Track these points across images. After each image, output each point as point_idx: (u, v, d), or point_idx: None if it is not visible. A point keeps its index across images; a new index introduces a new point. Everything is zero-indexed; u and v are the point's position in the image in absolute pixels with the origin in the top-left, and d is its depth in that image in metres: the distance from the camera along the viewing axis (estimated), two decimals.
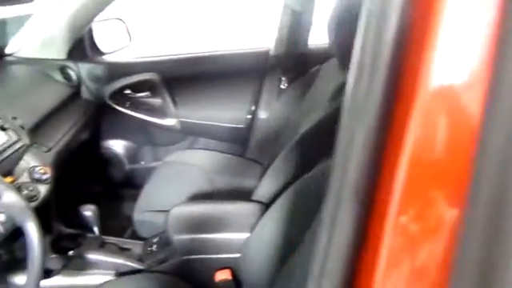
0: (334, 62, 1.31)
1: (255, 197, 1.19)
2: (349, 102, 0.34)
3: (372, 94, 0.31)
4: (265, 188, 1.20)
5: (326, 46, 1.54)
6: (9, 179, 0.97)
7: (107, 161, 1.86)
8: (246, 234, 1.01)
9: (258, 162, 1.61)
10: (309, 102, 1.36)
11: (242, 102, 1.71)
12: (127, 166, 1.89)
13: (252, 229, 1.01)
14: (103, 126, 1.79)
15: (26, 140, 1.10)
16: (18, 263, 1.05)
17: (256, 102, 1.68)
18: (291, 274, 0.79)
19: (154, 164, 1.86)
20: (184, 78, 1.70)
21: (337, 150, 0.35)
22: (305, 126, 1.24)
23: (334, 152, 0.35)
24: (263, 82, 1.65)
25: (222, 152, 1.68)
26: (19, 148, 1.07)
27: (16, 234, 0.92)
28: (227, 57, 1.71)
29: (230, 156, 1.65)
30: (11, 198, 0.78)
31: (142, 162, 1.92)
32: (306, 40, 1.56)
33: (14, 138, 1.06)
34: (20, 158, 1.09)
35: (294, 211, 0.86)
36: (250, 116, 1.71)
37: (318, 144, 1.13)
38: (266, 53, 1.62)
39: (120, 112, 1.71)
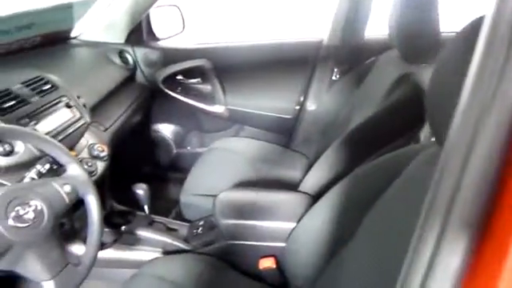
0: (392, 54, 1.25)
1: (302, 188, 1.17)
2: (466, 104, 0.28)
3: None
4: (312, 180, 1.18)
5: (383, 37, 1.49)
6: (72, 154, 1.03)
7: (156, 144, 1.92)
8: (292, 224, 1.00)
9: (303, 154, 1.59)
10: (362, 94, 1.32)
11: (290, 93, 1.69)
12: (174, 150, 1.94)
13: (299, 219, 1.00)
14: (154, 110, 1.85)
15: (87, 118, 1.15)
16: (76, 234, 1.12)
17: (305, 93, 1.66)
18: (341, 267, 0.77)
19: (200, 150, 1.90)
20: (234, 66, 1.70)
21: (444, 164, 0.30)
22: (358, 118, 1.20)
23: (438, 166, 0.30)
24: (314, 73, 1.62)
25: (267, 142, 1.68)
26: (81, 125, 1.13)
27: (76, 205, 0.98)
28: (278, 46, 1.69)
29: (275, 146, 1.64)
30: (76, 170, 0.83)
31: (189, 147, 1.97)
32: (363, 30, 1.50)
33: (78, 115, 1.11)
34: (81, 135, 1.15)
35: (346, 205, 0.84)
36: (298, 107, 1.69)
37: (372, 138, 1.10)
38: (319, 43, 1.58)
39: (171, 97, 1.75)
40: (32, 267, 0.70)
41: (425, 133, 1.05)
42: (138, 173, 1.82)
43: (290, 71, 1.68)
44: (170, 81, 1.72)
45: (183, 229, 1.25)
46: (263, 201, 1.10)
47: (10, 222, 0.67)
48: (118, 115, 1.43)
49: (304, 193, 1.13)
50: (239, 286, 1.00)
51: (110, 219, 1.25)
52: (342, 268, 0.77)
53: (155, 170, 1.92)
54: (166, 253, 1.16)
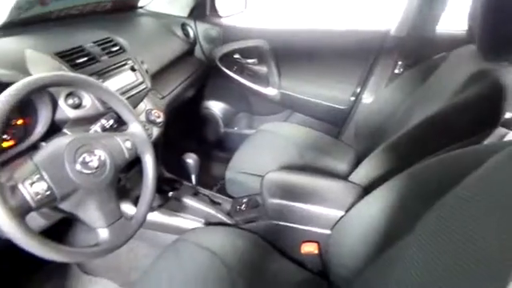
0: (465, 51, 1.17)
1: (352, 179, 1.14)
2: None
3: None
4: (364, 172, 1.14)
5: (457, 32, 1.40)
6: None
7: (205, 121, 1.95)
8: (339, 212, 0.98)
9: (351, 147, 1.54)
10: (428, 90, 1.24)
11: (347, 83, 1.64)
12: (222, 129, 1.96)
13: (348, 209, 0.97)
14: (207, 87, 1.87)
15: (148, 84, 1.18)
16: (128, 194, 1.16)
17: (362, 85, 1.60)
18: (392, 262, 0.74)
19: (247, 131, 1.90)
20: (293, 50, 1.67)
21: None
22: (420, 115, 1.13)
23: None
24: (375, 65, 1.55)
25: (316, 130, 1.64)
26: (142, 90, 1.16)
27: (130, 166, 1.01)
28: (340, 33, 1.63)
29: (324, 135, 1.60)
30: (137, 128, 0.86)
31: (236, 128, 1.98)
32: (435, 24, 1.41)
33: (140, 79, 1.15)
34: (141, 100, 1.18)
35: (403, 199, 0.80)
36: (353, 98, 1.63)
37: (439, 134, 1.03)
38: (385, 33, 1.51)
39: (225, 75, 1.76)
40: (91, 213, 0.73)
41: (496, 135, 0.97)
42: (185, 146, 1.86)
43: (349, 61, 1.62)
44: (227, 59, 1.73)
45: (226, 204, 1.26)
46: (312, 185, 1.07)
47: (78, 166, 0.70)
48: (174, 86, 1.46)
49: (354, 183, 1.09)
50: (278, 265, 0.99)
51: (157, 185, 1.29)
52: (394, 263, 0.73)
53: (201, 146, 1.95)
54: (208, 224, 1.17)
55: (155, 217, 1.18)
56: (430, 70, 1.29)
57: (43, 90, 0.71)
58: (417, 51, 1.44)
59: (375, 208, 0.85)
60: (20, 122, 0.88)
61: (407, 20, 1.42)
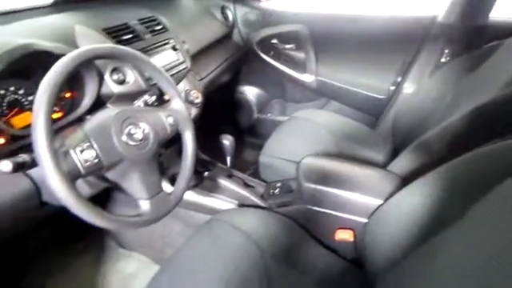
0: None
1: (390, 169, 1.11)
2: None
3: None
4: (403, 163, 1.10)
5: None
6: None
7: (239, 106, 1.95)
8: (377, 201, 0.95)
9: (388, 138, 1.49)
10: (477, 80, 1.18)
11: (387, 72, 1.58)
12: (255, 115, 1.96)
13: (386, 198, 0.94)
14: (243, 72, 1.87)
15: (188, 64, 1.19)
16: (164, 171, 1.19)
17: (404, 74, 1.54)
18: (435, 252, 0.71)
19: (280, 118, 1.88)
20: (332, 35, 1.63)
21: None
22: (466, 106, 1.08)
23: None
24: (419, 53, 1.48)
25: (353, 119, 1.60)
26: (183, 69, 1.17)
27: (168, 144, 1.03)
28: (384, 20, 1.57)
29: (360, 125, 1.56)
30: (179, 105, 0.87)
31: (269, 114, 1.96)
32: (489, 10, 1.33)
33: (181, 59, 1.16)
34: (181, 79, 1.19)
35: (449, 189, 0.76)
36: (393, 87, 1.57)
37: (483, 126, 0.98)
38: (432, 20, 1.43)
39: (262, 61, 1.74)
40: (134, 184, 0.74)
41: None
42: (219, 130, 1.87)
43: (391, 48, 1.56)
44: (265, 43, 1.71)
45: (260, 187, 1.25)
46: (350, 172, 1.05)
47: (124, 137, 0.71)
48: (212, 68, 1.46)
49: (394, 172, 1.06)
50: (311, 250, 0.98)
51: None
52: (436, 253, 0.70)
53: (234, 130, 1.96)
54: (242, 206, 1.18)
55: (190, 196, 1.20)
56: (480, 59, 1.22)
57: (95, 60, 0.73)
58: (466, 39, 1.36)
59: (418, 198, 0.82)
60: (68, 95, 0.91)
61: (457, 6, 1.34)
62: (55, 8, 1.10)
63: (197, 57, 1.33)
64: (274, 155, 1.35)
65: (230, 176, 1.26)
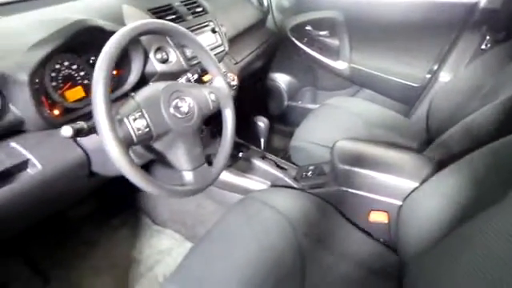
0: None
1: (427, 154, 1.10)
2: None
3: None
4: (440, 148, 1.09)
5: None
6: (208, 77, 1.11)
7: (270, 92, 1.97)
8: (413, 184, 0.95)
9: (423, 127, 1.47)
10: None
11: (423, 59, 1.56)
12: (286, 102, 1.97)
13: (422, 181, 0.94)
14: (276, 58, 1.88)
15: (226, 47, 1.22)
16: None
17: (441, 62, 1.51)
18: (472, 235, 0.71)
19: (311, 106, 1.89)
20: (367, 22, 1.61)
21: None
22: (506, 93, 1.05)
23: None
24: (458, 40, 1.45)
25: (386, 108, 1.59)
26: (220, 52, 1.20)
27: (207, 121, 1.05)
28: (422, 5, 1.54)
29: (393, 113, 1.54)
30: (221, 83, 0.89)
31: (300, 102, 1.97)
32: None
33: (220, 41, 1.18)
34: (219, 61, 1.22)
35: (487, 172, 0.75)
36: (428, 76, 1.55)
37: None
38: (473, 5, 1.40)
39: (294, 48, 1.75)
40: (179, 155, 0.78)
41: None
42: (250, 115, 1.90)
43: (428, 35, 1.53)
44: (298, 30, 1.71)
45: (292, 170, 1.27)
46: (385, 155, 1.05)
47: (171, 110, 0.75)
48: (247, 53, 1.49)
49: (429, 156, 1.05)
50: (344, 231, 0.99)
51: None
52: (473, 236, 0.70)
53: (265, 117, 1.98)
54: (275, 186, 1.20)
55: (224, 176, 1.23)
56: None
57: (147, 34, 0.76)
58: (509, 25, 1.32)
59: (454, 181, 0.82)
60: (115, 72, 0.96)
61: None
62: None
63: (233, 41, 1.35)
64: (305, 140, 1.36)
65: (263, 158, 1.28)
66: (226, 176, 1.23)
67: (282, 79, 1.94)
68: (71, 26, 0.78)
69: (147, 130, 0.70)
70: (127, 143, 0.67)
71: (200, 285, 0.80)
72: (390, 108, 1.59)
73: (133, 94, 0.75)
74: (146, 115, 0.70)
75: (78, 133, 0.67)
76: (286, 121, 1.98)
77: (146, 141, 0.72)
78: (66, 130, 0.65)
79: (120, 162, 0.63)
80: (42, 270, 1.18)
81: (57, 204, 1.05)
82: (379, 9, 1.61)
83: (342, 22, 1.63)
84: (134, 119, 0.68)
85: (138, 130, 0.69)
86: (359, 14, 1.62)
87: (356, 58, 1.67)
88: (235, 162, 1.25)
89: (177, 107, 0.76)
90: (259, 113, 1.97)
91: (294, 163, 1.37)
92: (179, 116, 0.76)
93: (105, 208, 1.44)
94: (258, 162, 1.22)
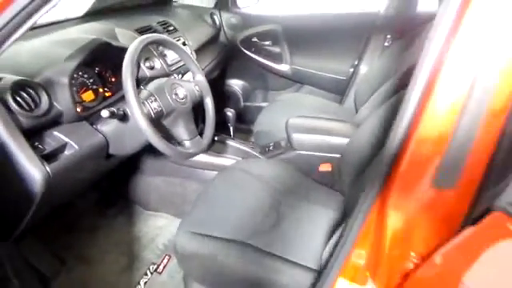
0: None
1: (354, 120, 1.50)
2: None
3: None
4: (361, 115, 1.50)
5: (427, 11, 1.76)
6: (187, 76, 1.41)
7: (228, 96, 2.30)
8: (346, 140, 1.33)
9: (353, 110, 1.89)
10: (408, 58, 1.60)
11: (347, 57, 2.00)
12: (242, 103, 2.31)
13: (351, 138, 1.32)
14: (230, 67, 2.22)
15: (194, 55, 1.54)
16: None
17: (359, 57, 1.95)
18: (376, 166, 1.09)
19: (263, 104, 2.25)
20: (301, 31, 2.03)
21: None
22: (402, 69, 1.49)
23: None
24: (369, 40, 1.91)
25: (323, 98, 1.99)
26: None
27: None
28: (340, 16, 2.00)
29: (329, 102, 1.95)
30: (201, 78, 1.21)
31: (254, 102, 2.33)
32: (416, 5, 1.77)
33: (189, 51, 1.50)
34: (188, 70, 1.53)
35: (384, 119, 1.15)
36: (352, 69, 1.99)
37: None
38: (377, 13, 1.86)
39: (245, 57, 2.11)
40: (180, 129, 1.08)
41: None
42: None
43: (347, 38, 1.98)
44: (247, 42, 2.08)
45: (257, 148, 1.60)
46: (325, 124, 1.43)
47: (173, 95, 1.05)
48: (205, 64, 1.81)
49: (353, 122, 1.45)
50: (303, 181, 1.34)
51: None
52: (377, 167, 1.08)
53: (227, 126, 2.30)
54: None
55: (203, 157, 1.53)
56: (409, 42, 1.64)
57: (151, 44, 1.06)
58: (401, 26, 1.80)
59: (365, 134, 1.20)
60: (113, 79, 1.23)
61: (394, 1, 1.78)
62: (87, 18, 1.42)
63: (196, 53, 1.67)
64: (265, 125, 1.71)
65: (233, 139, 1.61)
66: (205, 157, 1.53)
67: (237, 84, 2.29)
68: (90, 43, 1.06)
69: (160, 109, 1.00)
70: (148, 118, 0.96)
71: (204, 224, 1.08)
72: (326, 98, 2.00)
73: (142, 87, 1.04)
74: (158, 99, 1.00)
75: (112, 115, 0.95)
76: (243, 119, 2.32)
77: (160, 117, 1.02)
78: (104, 113, 0.93)
79: (146, 129, 0.92)
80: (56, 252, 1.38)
81: (83, 183, 1.26)
82: (309, 21, 2.04)
83: (281, 33, 2.03)
84: (151, 102, 0.98)
85: (154, 109, 0.98)
86: (294, 26, 2.04)
87: (296, 60, 2.08)
88: (212, 145, 1.56)
89: (176, 94, 1.06)
90: (219, 114, 2.30)
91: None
92: (178, 100, 1.06)
93: (102, 200, 1.66)
94: (230, 143, 1.54)
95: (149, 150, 1.44)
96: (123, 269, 1.37)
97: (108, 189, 1.66)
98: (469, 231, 0.57)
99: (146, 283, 1.32)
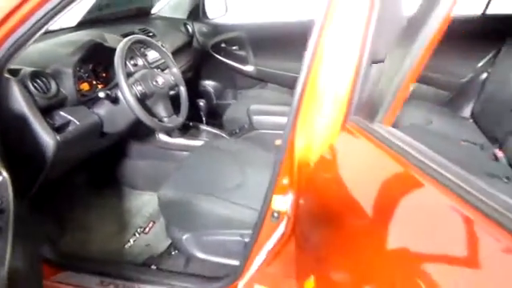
0: None
1: None
2: None
3: None
4: None
5: None
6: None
7: (201, 96, 2.62)
8: None
9: None
10: None
11: (300, 56, 2.34)
12: (215, 101, 2.63)
13: None
14: (203, 69, 2.54)
15: (172, 58, 1.85)
16: None
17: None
18: None
19: (233, 101, 2.57)
20: (263, 37, 2.38)
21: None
22: None
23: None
24: None
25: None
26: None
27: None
28: (294, 24, 2.36)
29: (289, 96, 2.29)
30: (176, 71, 1.52)
31: (225, 100, 2.65)
32: None
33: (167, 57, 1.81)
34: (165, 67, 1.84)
35: None
36: None
37: None
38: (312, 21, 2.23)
39: (216, 60, 2.44)
40: (159, 108, 1.39)
41: None
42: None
43: (298, 40, 2.32)
44: (217, 47, 2.41)
45: (226, 131, 1.92)
46: (281, 108, 1.76)
47: (154, 82, 1.36)
48: (180, 65, 2.11)
49: None
50: (263, 157, 1.64)
51: None
52: None
53: (200, 115, 2.61)
54: None
55: (179, 141, 1.82)
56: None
57: (136, 44, 1.36)
58: None
59: None
60: (104, 74, 1.53)
61: None
62: (80, 27, 1.71)
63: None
64: (233, 113, 2.03)
65: (205, 125, 1.92)
66: (182, 140, 1.82)
67: (209, 84, 2.61)
68: (86, 42, 1.36)
69: (144, 91, 1.30)
70: (135, 97, 1.26)
71: (182, 184, 1.37)
72: (289, 95, 2.34)
73: (130, 76, 1.34)
74: (143, 84, 1.30)
75: (107, 96, 1.24)
76: (215, 115, 2.62)
77: (144, 98, 1.32)
78: (101, 94, 1.22)
79: (133, 106, 1.22)
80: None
81: (83, 154, 1.51)
82: (269, 28, 2.39)
83: (246, 39, 2.37)
84: (137, 86, 1.28)
85: (140, 91, 1.29)
86: (257, 32, 2.38)
87: (259, 62, 2.41)
88: (187, 129, 1.86)
89: (156, 81, 1.37)
90: (195, 112, 2.61)
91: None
92: (158, 86, 1.37)
93: (94, 181, 1.92)
94: (202, 127, 1.85)
95: (134, 136, 1.74)
96: (116, 232, 1.64)
97: (100, 171, 1.93)
98: None
99: (134, 241, 1.59)
